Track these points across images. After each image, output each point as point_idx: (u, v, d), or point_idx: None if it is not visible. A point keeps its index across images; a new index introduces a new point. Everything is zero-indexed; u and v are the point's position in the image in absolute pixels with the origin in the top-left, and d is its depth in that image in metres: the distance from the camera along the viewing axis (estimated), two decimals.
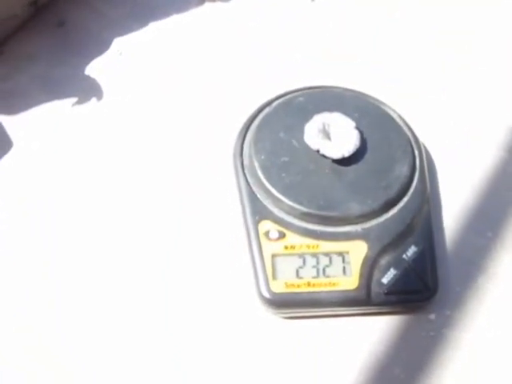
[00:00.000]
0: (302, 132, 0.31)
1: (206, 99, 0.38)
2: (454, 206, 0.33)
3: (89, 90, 0.39)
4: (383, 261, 0.29)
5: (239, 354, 0.28)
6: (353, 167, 0.31)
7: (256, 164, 0.31)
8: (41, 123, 0.37)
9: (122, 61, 0.41)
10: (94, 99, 0.38)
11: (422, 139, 0.35)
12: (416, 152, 0.33)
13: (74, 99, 0.38)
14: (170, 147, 0.36)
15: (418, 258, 0.29)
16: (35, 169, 0.35)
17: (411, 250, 0.29)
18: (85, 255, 0.31)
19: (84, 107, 0.38)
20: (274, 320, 0.29)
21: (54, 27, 0.43)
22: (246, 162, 0.32)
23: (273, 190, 0.30)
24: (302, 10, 0.43)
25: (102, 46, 0.42)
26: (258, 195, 0.31)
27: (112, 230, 0.32)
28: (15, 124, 0.37)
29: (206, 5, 0.44)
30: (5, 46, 0.41)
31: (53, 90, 0.39)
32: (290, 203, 0.30)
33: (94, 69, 0.40)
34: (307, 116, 0.32)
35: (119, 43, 0.41)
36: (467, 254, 0.31)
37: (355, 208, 0.30)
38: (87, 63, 0.40)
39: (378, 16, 0.43)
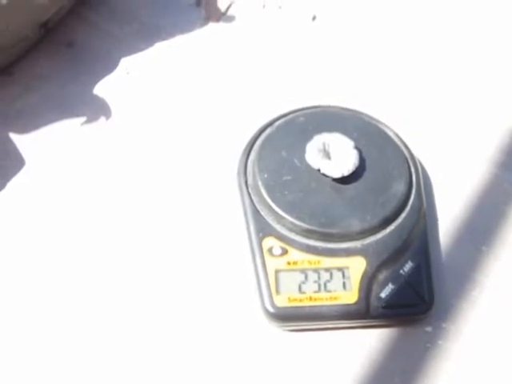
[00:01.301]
0: (303, 151, 0.33)
1: (210, 118, 0.40)
2: (449, 220, 0.34)
3: (97, 108, 0.40)
4: (381, 276, 0.30)
5: (243, 365, 0.29)
6: (352, 185, 0.32)
7: (259, 182, 0.33)
8: (51, 142, 0.39)
9: (130, 80, 0.42)
10: (102, 118, 0.40)
11: (417, 156, 0.36)
12: (412, 169, 0.34)
13: (84, 118, 0.40)
14: (176, 165, 0.37)
15: (415, 272, 0.30)
16: (46, 186, 0.36)
17: (408, 266, 0.31)
18: (97, 280, 0.33)
19: (93, 126, 0.40)
20: (277, 333, 0.30)
21: (64, 48, 0.44)
22: (249, 180, 0.34)
23: (276, 208, 0.32)
24: (303, 30, 0.45)
25: (110, 66, 0.43)
26: (262, 213, 0.32)
27: (120, 249, 0.33)
28: (27, 143, 0.38)
29: (210, 25, 0.45)
30: (16, 67, 0.43)
31: (63, 109, 0.40)
32: (293, 220, 0.31)
33: (103, 88, 0.42)
34: (308, 136, 0.33)
35: (126, 62, 0.43)
36: (462, 268, 0.33)
37: (355, 225, 0.31)
38: (96, 82, 0.42)
39: (376, 36, 0.45)
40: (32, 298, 0.32)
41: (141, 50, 0.44)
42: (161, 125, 0.39)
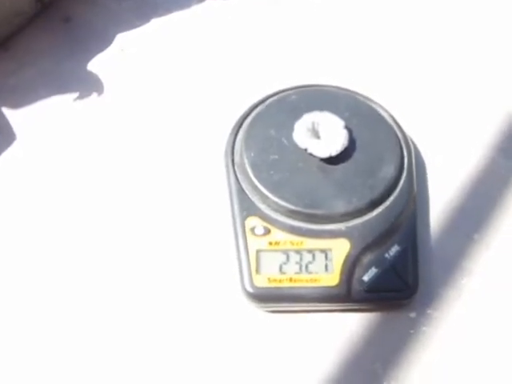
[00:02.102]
0: (292, 130, 0.32)
1: (204, 95, 0.39)
2: (441, 205, 0.33)
3: (90, 85, 0.40)
4: (365, 259, 0.29)
5: (222, 345, 0.29)
6: (340, 166, 0.32)
7: (246, 161, 0.32)
8: (43, 118, 0.38)
9: (124, 57, 0.42)
10: (94, 94, 0.40)
11: (414, 139, 0.35)
12: (405, 152, 0.33)
13: (76, 94, 0.40)
14: (167, 142, 0.37)
15: (400, 257, 0.29)
16: (36, 162, 0.36)
17: (394, 249, 0.30)
18: (71, 239, 0.32)
19: (85, 102, 0.39)
20: (257, 314, 0.30)
21: (60, 23, 0.44)
22: (236, 159, 0.33)
23: (261, 187, 0.31)
24: (300, 9, 0.44)
25: (105, 42, 0.43)
26: (247, 192, 0.31)
27: (98, 221, 0.33)
28: (19, 118, 0.38)
29: (207, 2, 0.44)
30: (12, 42, 0.42)
31: (56, 85, 0.40)
32: (277, 200, 0.30)
33: (97, 64, 0.41)
34: (298, 114, 0.33)
35: (121, 39, 0.43)
36: (451, 255, 0.32)
37: (340, 206, 0.30)
38: (90, 58, 0.42)
39: (373, 15, 0.43)
40: (16, 282, 0.32)
41: (136, 26, 0.43)
42: (152, 102, 0.39)
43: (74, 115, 0.39)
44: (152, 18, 0.44)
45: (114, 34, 0.43)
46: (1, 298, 0.31)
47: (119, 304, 0.30)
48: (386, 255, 0.30)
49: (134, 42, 0.42)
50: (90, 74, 0.41)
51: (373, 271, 0.29)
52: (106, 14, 0.44)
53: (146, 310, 0.30)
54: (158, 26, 0.43)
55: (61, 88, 0.40)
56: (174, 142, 0.37)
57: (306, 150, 0.31)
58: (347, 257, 0.29)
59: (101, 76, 0.40)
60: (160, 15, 0.44)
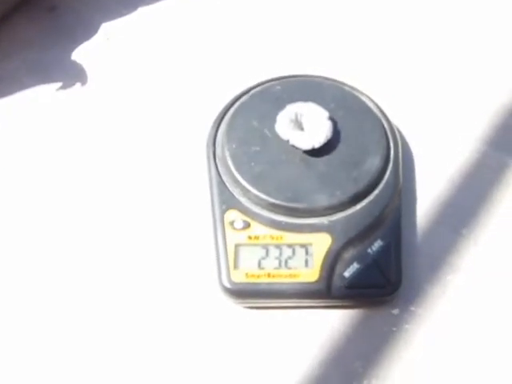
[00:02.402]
0: (275, 121, 0.31)
1: (189, 86, 0.38)
2: (429, 198, 0.32)
3: (74, 75, 0.39)
4: (347, 254, 0.28)
5: (199, 341, 0.28)
6: (324, 158, 0.31)
7: (227, 153, 0.31)
8: (27, 107, 0.38)
9: (109, 46, 0.41)
10: (78, 84, 0.39)
11: (402, 130, 0.34)
12: (391, 143, 0.32)
13: (60, 84, 0.39)
14: (151, 133, 0.36)
15: (383, 252, 0.29)
16: (18, 151, 0.36)
17: (377, 244, 0.29)
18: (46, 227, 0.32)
19: (68, 92, 0.38)
20: (236, 309, 0.29)
21: (46, 11, 0.43)
22: (218, 151, 0.32)
23: (241, 180, 0.30)
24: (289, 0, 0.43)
25: (90, 31, 0.42)
26: (227, 184, 0.31)
27: (76, 212, 0.32)
28: (2, 107, 0.38)
29: None
30: None
31: (41, 74, 0.39)
32: (257, 193, 0.30)
33: (82, 53, 0.40)
34: (282, 105, 0.32)
35: (107, 28, 0.42)
36: (438, 250, 0.31)
37: (321, 200, 0.29)
38: (75, 48, 0.41)
39: (360, 4, 0.42)
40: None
41: (123, 14, 0.42)
42: (136, 92, 0.38)
43: (58, 105, 0.38)
44: (139, 6, 0.43)
45: (99, 22, 0.42)
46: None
47: (92, 300, 0.30)
48: (369, 250, 0.29)
49: (119, 30, 0.41)
50: (75, 63, 0.40)
51: (354, 267, 0.28)
52: (92, 3, 0.43)
53: (120, 304, 0.29)
54: (144, 15, 0.42)
55: (45, 78, 0.39)
56: (158, 132, 0.36)
57: (288, 141, 0.30)
58: (328, 252, 0.28)
59: (85, 65, 0.40)
60: (147, 4, 0.43)
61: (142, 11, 0.43)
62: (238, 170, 0.30)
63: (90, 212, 0.33)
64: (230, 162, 0.31)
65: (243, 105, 0.33)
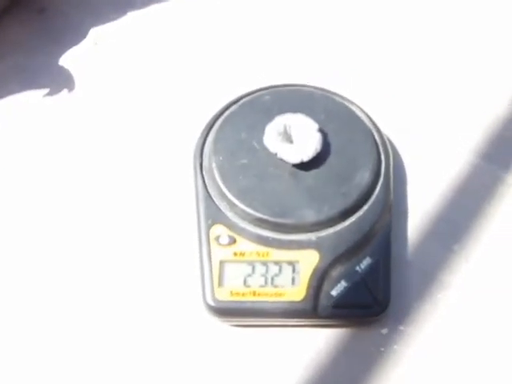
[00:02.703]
0: (263, 133, 0.30)
1: (178, 94, 0.37)
2: (420, 214, 0.31)
3: (61, 80, 0.39)
4: (335, 272, 0.28)
5: (183, 359, 0.28)
6: (313, 172, 0.30)
7: (214, 165, 0.30)
8: (14, 113, 0.37)
9: (97, 51, 0.40)
10: (65, 90, 0.38)
11: (394, 142, 0.33)
12: (382, 157, 0.31)
13: (47, 90, 0.38)
14: (138, 142, 0.35)
15: (372, 270, 0.28)
16: (3, 157, 0.35)
17: (365, 262, 0.28)
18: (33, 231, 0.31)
19: (55, 98, 0.38)
20: (220, 327, 0.28)
21: (34, 14, 0.42)
22: (205, 162, 0.31)
23: (227, 193, 0.29)
24: (279, 7, 0.42)
25: (79, 35, 0.41)
26: (214, 198, 0.30)
27: (63, 218, 0.32)
28: None
29: None
30: None
31: (28, 80, 0.39)
32: (244, 208, 0.29)
33: (70, 58, 0.40)
34: (271, 116, 0.31)
35: (96, 33, 0.41)
36: (428, 267, 0.30)
37: (309, 215, 0.28)
38: (63, 52, 0.40)
39: (352, 14, 0.41)
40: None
41: (112, 19, 0.42)
42: (124, 99, 0.37)
43: (45, 111, 0.37)
44: (128, 11, 0.42)
45: (88, 26, 0.41)
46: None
47: (75, 312, 0.29)
48: (357, 268, 0.28)
49: (108, 35, 0.41)
50: (62, 69, 0.39)
51: (342, 285, 0.27)
52: (82, 6, 0.43)
53: (101, 322, 0.29)
54: (133, 20, 0.41)
55: (32, 83, 0.39)
56: (145, 141, 0.35)
57: (276, 154, 0.30)
58: (315, 270, 0.27)
59: (73, 71, 0.39)
60: (137, 8, 0.42)
61: (131, 16, 0.42)
62: (224, 183, 0.30)
63: (73, 222, 0.32)
64: (216, 175, 0.30)
65: (232, 115, 0.33)
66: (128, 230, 0.31)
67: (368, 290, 0.27)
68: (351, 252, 0.28)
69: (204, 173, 0.31)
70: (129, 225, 0.32)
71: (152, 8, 0.42)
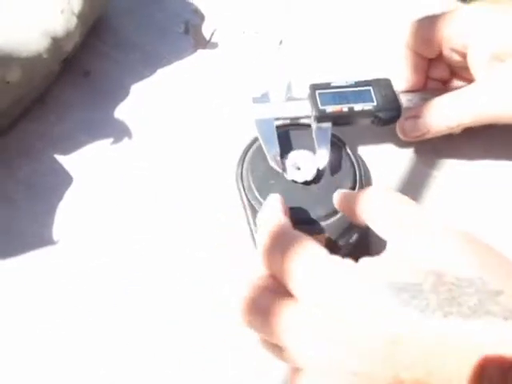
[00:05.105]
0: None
1: (207, 132, 0.52)
2: None
3: (120, 130, 0.52)
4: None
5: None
6: (314, 186, 0.47)
7: (253, 186, 0.47)
8: (88, 161, 0.50)
9: (141, 104, 0.54)
10: (126, 139, 0.52)
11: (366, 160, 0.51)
12: (357, 172, 0.49)
13: (110, 139, 0.52)
14: (185, 175, 0.49)
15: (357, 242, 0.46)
16: (90, 198, 0.48)
17: (354, 237, 0.46)
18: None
19: (119, 146, 0.51)
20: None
21: (81, 77, 0.55)
22: (245, 184, 0.48)
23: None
24: (276, 51, 0.57)
25: (122, 91, 0.54)
26: (257, 209, 0.47)
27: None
28: (69, 163, 0.50)
29: (199, 51, 0.57)
30: (46, 96, 0.53)
31: (92, 132, 0.52)
32: None
33: (120, 112, 0.53)
34: (285, 149, 0.48)
35: (137, 89, 0.54)
36: None
37: (319, 210, 0.46)
38: (114, 107, 0.53)
39: (343, 56, 0.56)
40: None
41: (146, 76, 0.55)
42: (171, 141, 0.51)
43: (110, 157, 0.50)
44: (157, 68, 0.55)
45: (129, 83, 0.55)
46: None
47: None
48: (351, 241, 0.46)
49: (145, 90, 0.54)
50: (117, 120, 0.53)
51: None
52: (118, 66, 0.55)
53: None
54: (164, 75, 0.55)
55: (96, 134, 0.51)
56: (191, 174, 0.49)
57: (292, 180, 0.47)
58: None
59: (127, 122, 0.53)
60: (164, 65, 0.56)
61: (161, 71, 0.55)
62: (263, 198, 0.46)
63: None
64: (256, 193, 0.47)
65: (258, 149, 0.49)
66: (187, 246, 0.45)
67: None
68: (346, 231, 0.46)
69: (246, 192, 0.47)
70: (184, 242, 0.46)
71: (178, 63, 0.55)
